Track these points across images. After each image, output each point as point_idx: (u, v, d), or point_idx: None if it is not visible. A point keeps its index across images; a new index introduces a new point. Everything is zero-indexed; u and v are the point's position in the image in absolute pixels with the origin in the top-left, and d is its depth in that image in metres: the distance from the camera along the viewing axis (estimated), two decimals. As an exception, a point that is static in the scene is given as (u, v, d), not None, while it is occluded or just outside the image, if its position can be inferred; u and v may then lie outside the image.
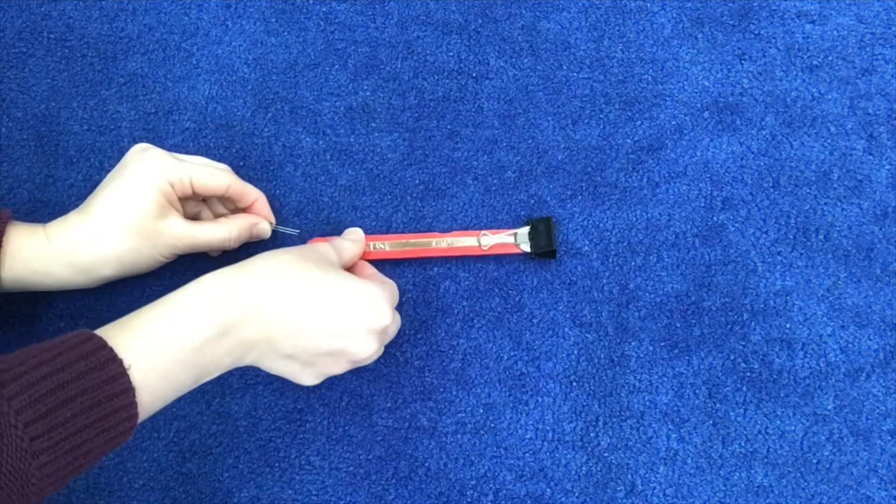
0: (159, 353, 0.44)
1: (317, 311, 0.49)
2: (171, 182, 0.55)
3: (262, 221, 0.60)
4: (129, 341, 0.43)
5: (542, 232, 0.62)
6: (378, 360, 0.58)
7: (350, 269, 0.60)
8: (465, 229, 0.64)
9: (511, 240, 0.62)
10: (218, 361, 0.47)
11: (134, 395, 0.42)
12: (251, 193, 0.60)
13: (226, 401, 0.60)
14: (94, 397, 0.41)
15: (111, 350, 0.42)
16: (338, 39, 0.69)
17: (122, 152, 0.65)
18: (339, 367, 0.52)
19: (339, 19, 0.70)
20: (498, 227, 0.64)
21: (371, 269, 0.60)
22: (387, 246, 0.61)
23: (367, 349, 0.52)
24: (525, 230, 0.63)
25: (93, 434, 0.41)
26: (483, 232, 0.62)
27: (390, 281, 0.58)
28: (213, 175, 0.57)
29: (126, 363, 0.42)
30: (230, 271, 0.49)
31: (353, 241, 0.59)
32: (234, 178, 0.59)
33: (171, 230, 0.55)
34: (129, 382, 0.42)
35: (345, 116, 0.67)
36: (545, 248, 0.62)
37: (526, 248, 0.62)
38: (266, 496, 0.58)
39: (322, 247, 0.55)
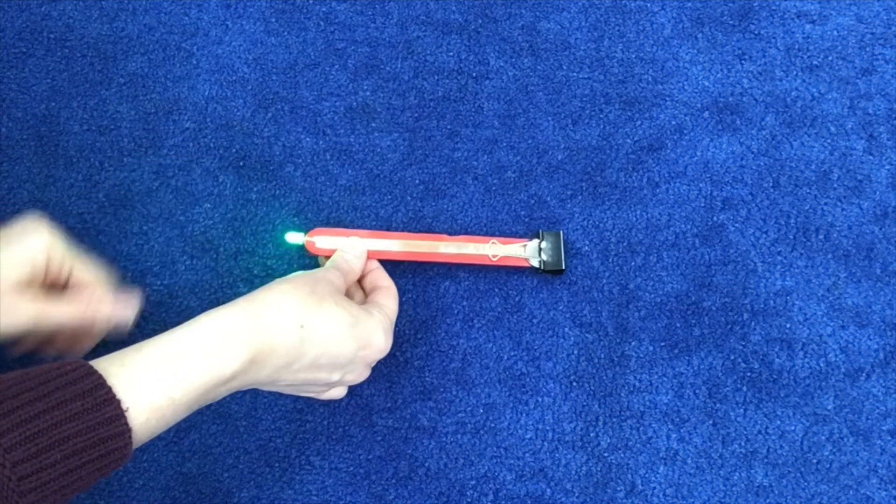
0: (160, 395, 0.42)
1: (321, 349, 0.49)
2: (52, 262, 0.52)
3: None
4: (129, 380, 0.42)
5: (552, 247, 0.62)
6: (378, 360, 0.58)
7: None
8: (466, 229, 0.64)
9: (521, 252, 0.62)
10: (217, 398, 0.46)
11: (130, 437, 0.41)
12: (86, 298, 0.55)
13: (226, 401, 0.60)
14: (87, 439, 0.39)
15: (109, 390, 0.40)
16: (338, 39, 0.69)
17: (122, 152, 0.66)
18: (323, 390, 0.54)
19: (339, 19, 0.70)
20: (498, 228, 0.64)
21: (375, 265, 0.59)
22: (394, 246, 0.60)
23: (359, 377, 0.54)
24: (534, 244, 0.62)
25: (83, 473, 0.40)
26: (492, 240, 0.62)
27: (392, 287, 0.57)
28: (91, 269, 0.54)
29: (124, 405, 0.41)
30: (239, 308, 0.47)
31: (356, 256, 0.58)
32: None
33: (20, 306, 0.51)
34: (126, 424, 0.41)
35: (345, 116, 0.67)
36: (554, 267, 0.62)
37: (535, 262, 0.62)
38: (266, 496, 0.58)
39: (332, 275, 0.54)
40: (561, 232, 0.63)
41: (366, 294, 0.58)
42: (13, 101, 0.67)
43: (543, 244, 0.62)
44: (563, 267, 0.62)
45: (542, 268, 0.62)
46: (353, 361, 0.51)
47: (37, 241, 0.53)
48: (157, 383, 0.42)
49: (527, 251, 0.62)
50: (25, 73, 0.67)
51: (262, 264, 0.63)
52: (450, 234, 0.64)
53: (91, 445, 0.40)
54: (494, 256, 0.61)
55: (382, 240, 0.60)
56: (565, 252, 0.63)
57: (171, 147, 0.66)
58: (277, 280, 0.51)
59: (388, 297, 0.56)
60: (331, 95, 0.68)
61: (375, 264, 0.59)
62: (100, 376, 0.41)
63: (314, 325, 0.48)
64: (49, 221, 0.54)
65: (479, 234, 0.64)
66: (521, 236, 0.64)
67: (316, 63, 0.69)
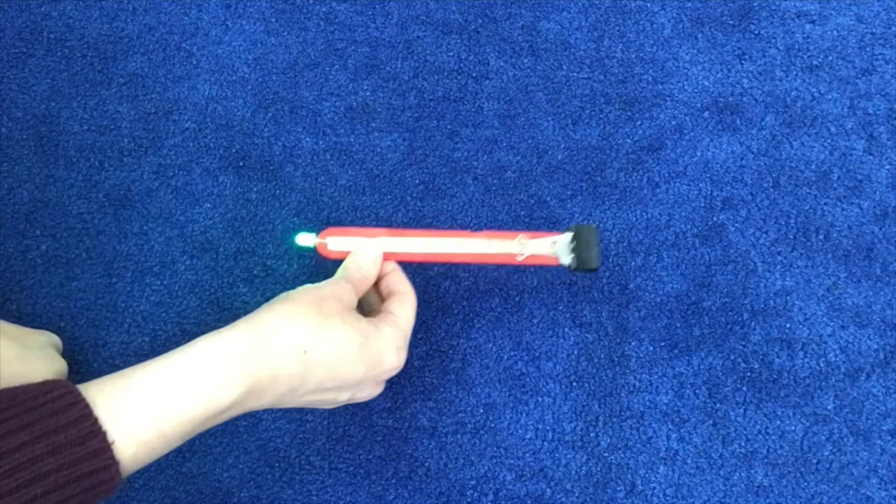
0: (149, 428, 0.40)
1: (327, 373, 0.46)
2: None
3: None
4: (116, 411, 0.39)
5: (586, 244, 0.54)
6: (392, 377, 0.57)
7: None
8: (466, 229, 0.64)
9: (550, 249, 0.54)
10: (213, 426, 0.44)
11: (116, 470, 0.39)
12: None
13: (226, 401, 0.60)
14: (70, 473, 0.37)
15: (95, 421, 0.38)
16: (338, 39, 0.69)
17: (122, 152, 0.66)
18: (331, 407, 0.51)
19: (339, 19, 0.70)
20: (498, 228, 0.64)
21: (392, 266, 0.54)
22: (412, 246, 0.54)
23: (371, 395, 0.51)
24: (566, 238, 0.54)
25: None
26: (520, 235, 0.54)
27: (410, 292, 0.53)
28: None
29: (110, 437, 0.38)
30: (238, 333, 0.44)
31: (370, 262, 0.53)
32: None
33: None
34: (112, 458, 0.38)
35: (345, 116, 0.67)
36: (587, 265, 0.53)
37: (566, 260, 0.54)
38: (266, 496, 0.58)
39: (341, 289, 0.49)
40: (596, 226, 0.55)
41: (382, 299, 0.54)
42: (13, 101, 0.67)
43: (576, 238, 0.54)
44: (598, 265, 0.54)
45: (575, 265, 0.54)
46: (362, 382, 0.48)
47: (44, 373, 0.53)
48: (146, 416, 0.40)
49: (557, 247, 0.54)
50: (25, 73, 0.67)
51: (262, 264, 0.63)
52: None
53: (73, 480, 0.38)
54: (520, 256, 0.54)
55: (400, 238, 0.54)
56: (600, 249, 0.57)
57: (171, 147, 0.66)
58: (281, 297, 0.47)
59: (403, 304, 0.52)
60: (331, 95, 0.68)
61: (393, 266, 0.54)
62: (86, 405, 0.38)
63: (319, 348, 0.45)
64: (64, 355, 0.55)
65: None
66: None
67: (316, 63, 0.69)
